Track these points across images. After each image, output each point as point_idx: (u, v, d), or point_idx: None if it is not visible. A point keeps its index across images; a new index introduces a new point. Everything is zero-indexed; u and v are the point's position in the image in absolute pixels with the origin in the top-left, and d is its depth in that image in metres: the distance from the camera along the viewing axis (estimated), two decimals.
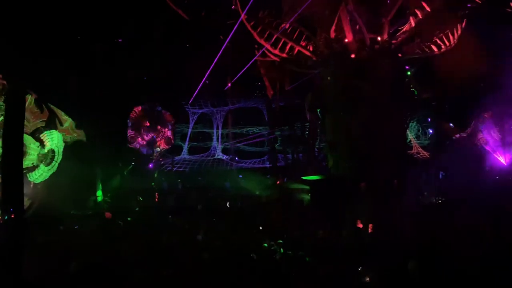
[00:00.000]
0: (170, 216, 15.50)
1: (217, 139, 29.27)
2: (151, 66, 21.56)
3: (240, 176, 25.97)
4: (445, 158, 23.43)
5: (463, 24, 12.83)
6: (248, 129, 30.30)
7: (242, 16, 12.12)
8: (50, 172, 15.32)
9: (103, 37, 19.20)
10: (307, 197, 21.21)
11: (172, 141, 25.84)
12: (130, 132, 24.04)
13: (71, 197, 15.91)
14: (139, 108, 24.29)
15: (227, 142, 29.65)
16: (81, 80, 17.72)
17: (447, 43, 12.65)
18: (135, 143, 24.07)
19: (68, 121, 16.50)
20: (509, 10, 12.18)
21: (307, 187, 16.89)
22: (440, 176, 23.36)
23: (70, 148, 16.39)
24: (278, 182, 23.80)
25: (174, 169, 26.60)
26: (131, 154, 23.87)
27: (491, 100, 23.09)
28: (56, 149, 15.66)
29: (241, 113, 29.64)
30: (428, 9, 11.72)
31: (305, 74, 14.16)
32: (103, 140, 19.06)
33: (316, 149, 25.05)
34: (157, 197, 20.44)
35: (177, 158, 27.47)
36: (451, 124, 24.95)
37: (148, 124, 24.19)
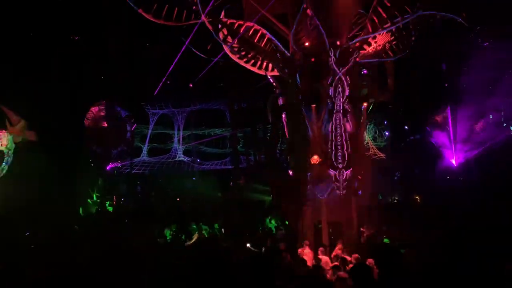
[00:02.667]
0: (126, 220, 15.12)
1: (178, 140, 28.89)
2: (109, 65, 20.95)
3: (194, 178, 25.72)
4: (400, 159, 24.38)
5: (417, 30, 13.39)
6: (210, 130, 30.12)
7: (203, 17, 12.04)
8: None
9: (57, 35, 18.46)
10: (268, 198, 21.39)
11: (131, 143, 25.24)
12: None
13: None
14: (96, 108, 23.54)
15: (188, 144, 29.32)
16: (33, 79, 16.93)
17: (402, 48, 13.18)
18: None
19: (21, 122, 15.72)
20: (460, 20, 12.84)
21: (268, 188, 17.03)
22: (396, 176, 24.29)
23: (21, 150, 15.63)
24: (242, 182, 23.85)
25: (133, 171, 25.99)
26: (88, 155, 23.07)
27: (444, 103, 24.31)
28: (5, 151, 14.88)
29: (203, 115, 29.42)
30: (384, 15, 12.14)
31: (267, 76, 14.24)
32: (57, 141, 18.32)
33: (278, 151, 25.29)
34: (114, 200, 19.91)
35: (136, 160, 26.83)
36: (406, 127, 26.01)
37: (106, 125, 23.46)
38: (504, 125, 26.14)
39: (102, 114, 23.59)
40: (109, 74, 21.50)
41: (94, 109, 23.38)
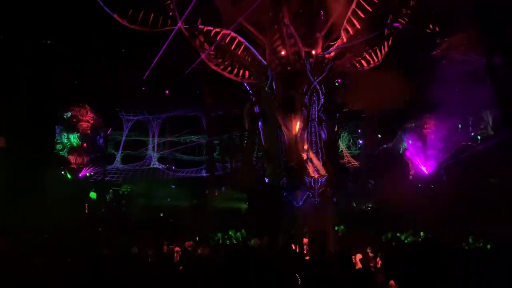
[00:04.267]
0: (100, 229, 14.75)
1: (153, 147, 28.48)
2: (82, 70, 20.52)
3: (173, 186, 25.42)
4: (373, 167, 24.86)
5: (390, 41, 13.78)
6: (185, 137, 29.86)
7: (180, 24, 11.99)
8: None
9: (28, 38, 17.96)
10: (244, 205, 21.34)
11: (104, 150, 24.70)
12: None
13: None
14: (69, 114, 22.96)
15: (163, 151, 28.95)
16: (1, 84, 16.39)
17: (375, 59, 13.52)
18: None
19: None
20: (428, 30, 13.30)
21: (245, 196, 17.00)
22: (369, 184, 24.73)
23: None
24: (216, 194, 23.75)
25: (106, 178, 25.41)
26: (59, 162, 22.43)
27: (415, 113, 25.00)
28: None
29: (179, 121, 29.15)
30: (358, 26, 12.42)
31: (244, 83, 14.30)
32: (28, 146, 17.74)
33: (254, 158, 25.32)
34: (86, 208, 19.40)
35: (109, 167, 26.25)
36: (379, 135, 26.57)
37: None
38: (472, 134, 27.11)
39: (75, 120, 23.08)
40: (82, 79, 21.06)
41: (67, 115, 22.83)
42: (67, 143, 23.11)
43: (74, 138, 23.13)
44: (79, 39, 18.74)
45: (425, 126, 25.49)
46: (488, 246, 11.70)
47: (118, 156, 27.65)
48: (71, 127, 23.06)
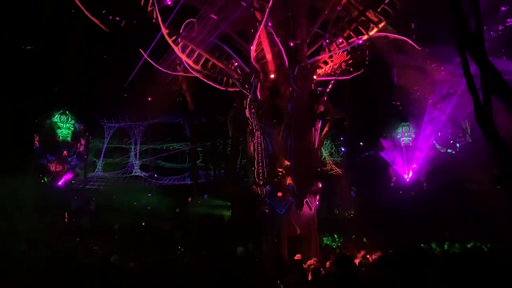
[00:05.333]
0: (78, 239, 14.42)
1: (135, 155, 28.18)
2: (64, 76, 20.23)
3: (149, 194, 25.10)
4: (356, 174, 25.14)
5: (371, 51, 14.04)
6: (168, 144, 29.65)
7: (163, 30, 11.95)
8: None
9: (10, 44, 17.64)
10: (227, 213, 21.25)
11: (85, 157, 24.29)
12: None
13: None
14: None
15: (145, 158, 28.69)
16: None
17: (357, 68, 13.74)
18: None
19: None
20: (408, 40, 13.61)
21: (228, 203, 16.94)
22: (352, 191, 24.98)
23: None
24: (189, 199, 23.59)
25: (87, 186, 24.99)
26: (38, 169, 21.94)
27: (396, 121, 25.47)
28: None
29: (161, 129, 28.94)
30: (340, 35, 12.61)
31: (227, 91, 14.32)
32: (6, 153, 17.32)
33: (238, 166, 25.30)
34: (66, 217, 18.99)
35: (90, 175, 25.83)
36: (361, 143, 26.93)
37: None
38: (451, 142, 27.71)
39: (55, 127, 22.66)
40: (63, 85, 20.75)
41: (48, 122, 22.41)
42: (47, 149, 22.64)
43: (54, 145, 22.69)
44: (60, 45, 18.50)
45: (405, 134, 25.97)
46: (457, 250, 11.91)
47: (99, 164, 27.24)
48: (51, 134, 22.63)
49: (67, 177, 23.43)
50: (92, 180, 26.00)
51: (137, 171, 28.10)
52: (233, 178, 24.15)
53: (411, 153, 25.72)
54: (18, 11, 15.95)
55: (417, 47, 13.95)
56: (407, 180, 25.54)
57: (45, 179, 22.01)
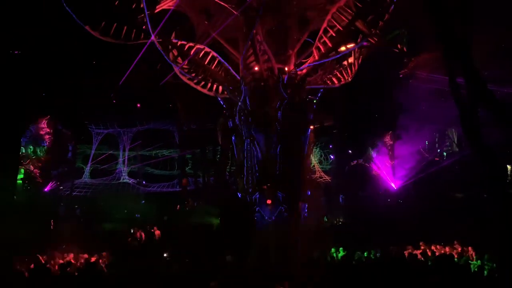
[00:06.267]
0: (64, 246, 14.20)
1: (124, 162, 27.92)
2: (51, 81, 19.99)
3: (143, 201, 24.91)
4: (344, 182, 25.27)
5: (360, 60, 14.19)
6: (157, 151, 29.47)
7: (153, 37, 11.94)
8: None
9: None
10: (216, 221, 21.11)
11: (72, 163, 24.00)
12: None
13: None
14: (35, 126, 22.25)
15: (134, 165, 28.44)
16: None
17: (346, 77, 13.88)
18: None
19: None
20: (396, 50, 13.82)
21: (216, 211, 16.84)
22: (340, 199, 25.09)
23: None
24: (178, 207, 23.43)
25: (73, 193, 24.64)
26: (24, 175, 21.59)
27: (384, 128, 25.74)
28: None
29: (150, 135, 28.76)
30: (329, 44, 12.74)
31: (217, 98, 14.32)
32: None
33: (227, 173, 25.24)
34: (52, 224, 18.68)
35: (77, 181, 25.49)
36: (350, 151, 27.11)
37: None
38: (438, 150, 28.08)
39: (42, 132, 22.36)
40: (50, 90, 20.51)
41: (33, 127, 22.10)
42: (32, 156, 22.31)
43: (40, 151, 22.37)
44: (47, 49, 18.31)
45: (392, 142, 26.23)
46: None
47: (87, 170, 26.93)
48: (38, 139, 22.32)
49: (53, 183, 23.10)
50: (79, 186, 25.68)
51: (125, 178, 27.81)
52: (222, 186, 24.07)
53: (399, 161, 25.98)
54: (2, 13, 15.74)
55: (404, 56, 14.17)
56: (395, 188, 25.76)
57: (28, 185, 21.65)
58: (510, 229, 6.57)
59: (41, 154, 22.32)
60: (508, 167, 22.52)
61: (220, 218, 20.82)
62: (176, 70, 13.23)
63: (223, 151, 23.88)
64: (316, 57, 12.99)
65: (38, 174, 22.28)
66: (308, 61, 13.37)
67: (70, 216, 21.12)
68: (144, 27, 11.92)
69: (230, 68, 13.40)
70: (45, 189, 22.68)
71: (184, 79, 13.66)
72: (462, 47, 6.87)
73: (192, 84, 13.83)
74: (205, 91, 14.03)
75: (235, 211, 14.08)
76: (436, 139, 28.07)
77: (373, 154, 26.31)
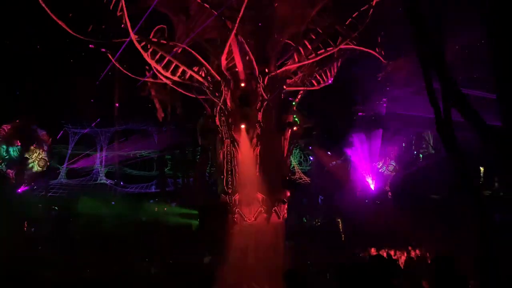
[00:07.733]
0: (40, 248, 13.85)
1: (101, 162, 27.43)
2: (26, 80, 19.48)
3: (113, 203, 24.46)
4: (323, 183, 25.51)
5: (339, 63, 14.38)
6: (136, 151, 29.05)
7: (132, 36, 11.77)
8: None
9: None
10: (195, 222, 20.99)
11: (48, 163, 23.40)
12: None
13: None
14: (9, 126, 21.61)
15: (111, 166, 27.97)
16: None
17: (325, 79, 14.04)
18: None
19: None
20: (375, 53, 14.04)
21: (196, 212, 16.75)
22: (319, 200, 25.33)
23: None
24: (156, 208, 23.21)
25: (49, 194, 24.05)
26: None
27: (362, 129, 26.10)
28: None
29: (128, 135, 28.34)
30: (309, 46, 12.85)
31: (197, 98, 14.23)
32: None
33: (207, 174, 25.10)
34: (25, 225, 18.18)
35: (52, 182, 24.89)
36: (329, 152, 27.40)
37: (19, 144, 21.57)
38: (415, 152, 28.67)
39: (15, 132, 21.72)
40: (25, 89, 19.99)
41: (6, 127, 21.44)
42: (5, 156, 21.66)
43: (13, 152, 21.73)
44: (23, 47, 17.85)
45: (370, 144, 26.62)
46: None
47: (63, 171, 26.34)
48: (11, 139, 21.67)
49: (28, 184, 22.49)
50: (55, 187, 25.09)
51: (102, 179, 27.32)
52: (202, 187, 23.94)
53: (376, 162, 26.36)
54: None
55: (383, 60, 14.41)
56: (374, 189, 26.13)
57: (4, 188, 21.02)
58: (483, 231, 6.76)
59: (15, 154, 21.69)
60: (481, 169, 23.23)
61: (199, 219, 20.72)
62: (155, 69, 13.08)
63: (203, 152, 23.74)
64: (296, 60, 13.09)
65: (11, 175, 21.67)
66: (289, 63, 13.45)
67: (46, 218, 20.60)
68: (122, 25, 11.75)
69: (210, 68, 13.33)
70: (18, 190, 22.06)
71: (164, 78, 13.52)
72: (437, 50, 7.05)
73: (171, 84, 13.70)
74: (185, 91, 13.93)
75: (214, 212, 14.03)
76: (413, 141, 28.66)
77: (351, 155, 26.65)
